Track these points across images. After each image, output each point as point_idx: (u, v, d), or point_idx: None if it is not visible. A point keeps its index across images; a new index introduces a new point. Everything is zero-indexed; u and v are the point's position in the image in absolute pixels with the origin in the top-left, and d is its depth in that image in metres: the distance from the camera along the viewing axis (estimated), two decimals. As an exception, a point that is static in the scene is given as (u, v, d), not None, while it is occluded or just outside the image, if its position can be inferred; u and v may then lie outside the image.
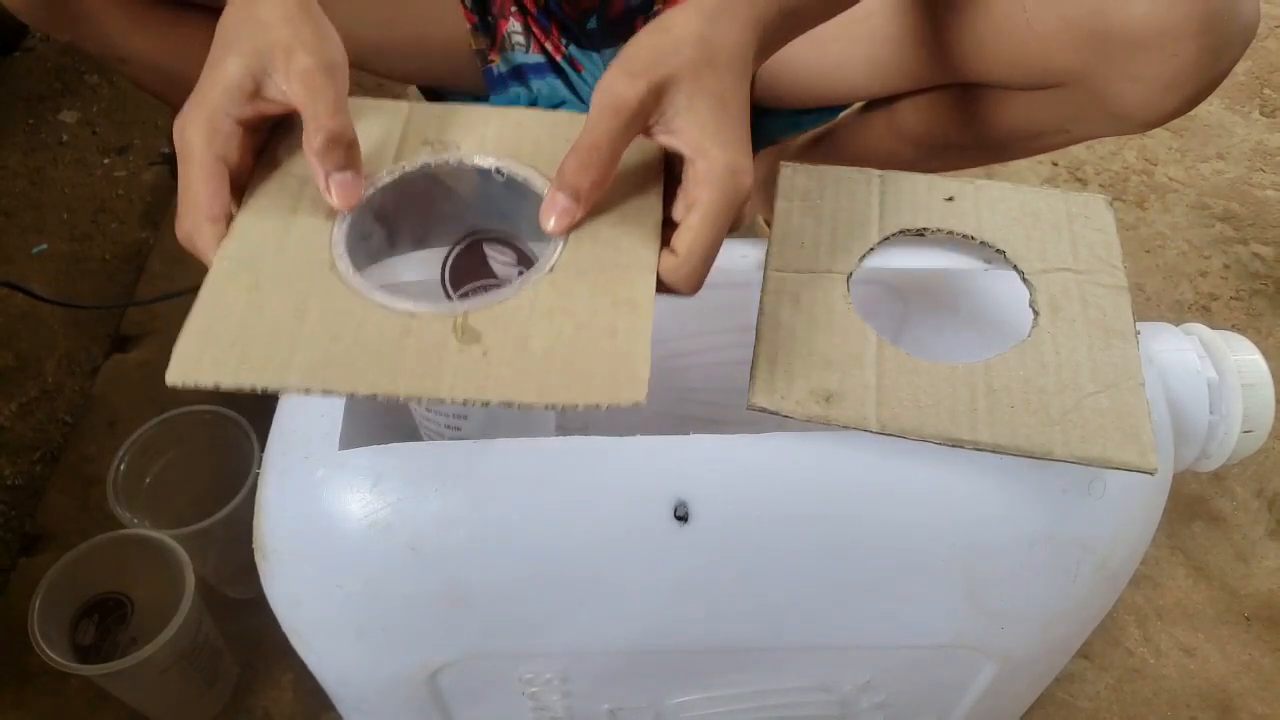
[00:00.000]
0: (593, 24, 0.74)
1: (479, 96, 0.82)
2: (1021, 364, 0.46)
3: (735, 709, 0.58)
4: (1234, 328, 0.63)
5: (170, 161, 1.22)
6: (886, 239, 0.51)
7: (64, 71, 1.32)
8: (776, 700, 0.58)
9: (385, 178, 0.46)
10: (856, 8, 0.68)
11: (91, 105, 1.28)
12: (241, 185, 0.45)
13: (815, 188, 0.53)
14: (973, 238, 0.50)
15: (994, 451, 0.44)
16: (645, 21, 0.74)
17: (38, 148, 1.22)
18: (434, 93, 0.85)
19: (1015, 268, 0.49)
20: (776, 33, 0.47)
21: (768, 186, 0.89)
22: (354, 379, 0.39)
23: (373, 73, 0.86)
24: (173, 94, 0.78)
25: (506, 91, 0.81)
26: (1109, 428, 0.44)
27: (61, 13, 0.68)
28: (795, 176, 0.53)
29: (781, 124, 0.78)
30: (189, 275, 1.10)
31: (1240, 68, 1.34)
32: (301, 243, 0.43)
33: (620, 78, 0.41)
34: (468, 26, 0.77)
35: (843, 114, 0.80)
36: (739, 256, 0.54)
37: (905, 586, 0.48)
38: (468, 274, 0.51)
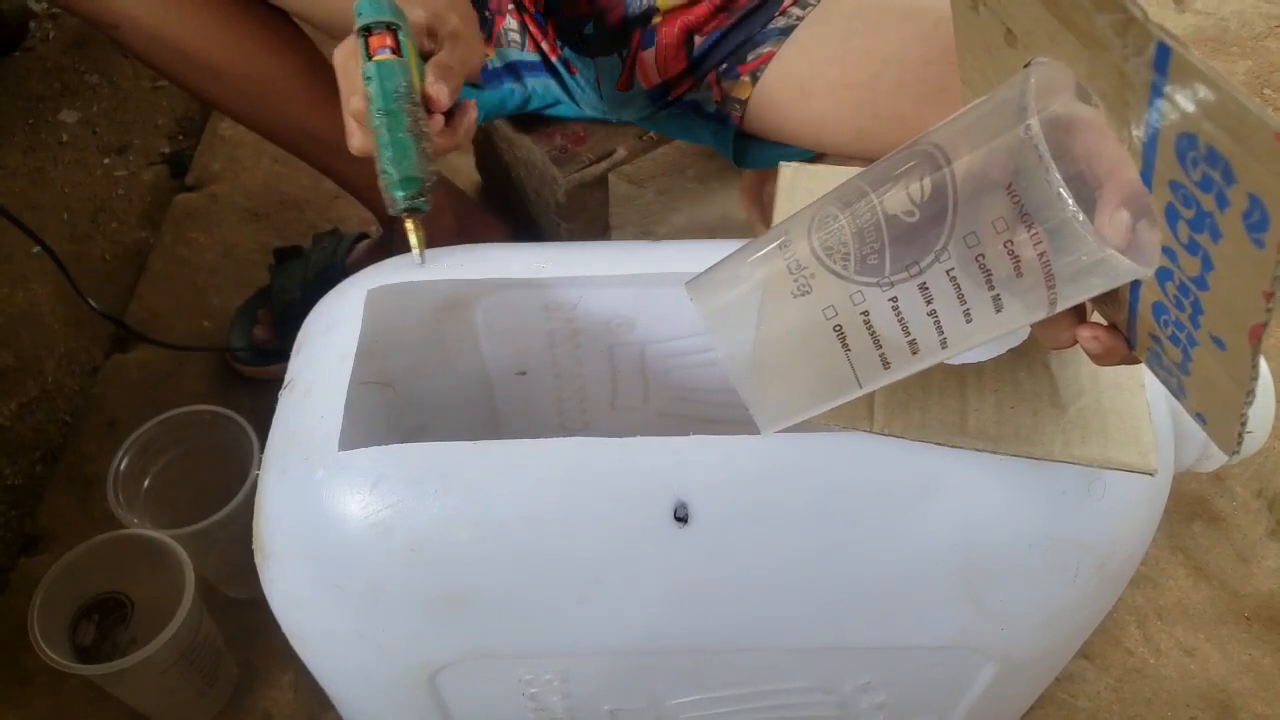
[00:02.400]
0: (589, 29, 0.74)
1: (473, 87, 0.82)
2: (1021, 365, 0.46)
3: (735, 709, 0.58)
4: (1234, 328, 0.62)
5: (170, 161, 1.22)
6: (886, 239, 0.50)
7: (64, 71, 1.32)
8: (776, 700, 0.58)
9: None
10: (846, 73, 0.68)
11: (91, 105, 1.28)
12: None
13: (816, 188, 0.53)
14: (973, 238, 0.50)
15: (994, 452, 0.44)
16: (643, 34, 0.74)
17: (38, 148, 1.22)
18: None
19: (1015, 268, 0.49)
20: None
21: (755, 194, 0.89)
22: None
23: None
24: (166, 62, 0.78)
25: (500, 87, 0.81)
26: (1109, 428, 0.44)
27: None
28: (796, 177, 0.53)
29: (768, 154, 0.78)
30: (189, 275, 1.10)
31: (1240, 67, 1.34)
32: None
33: None
34: None
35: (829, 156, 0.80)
36: (739, 257, 0.54)
37: (905, 586, 0.48)
38: None
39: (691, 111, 0.78)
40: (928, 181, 0.34)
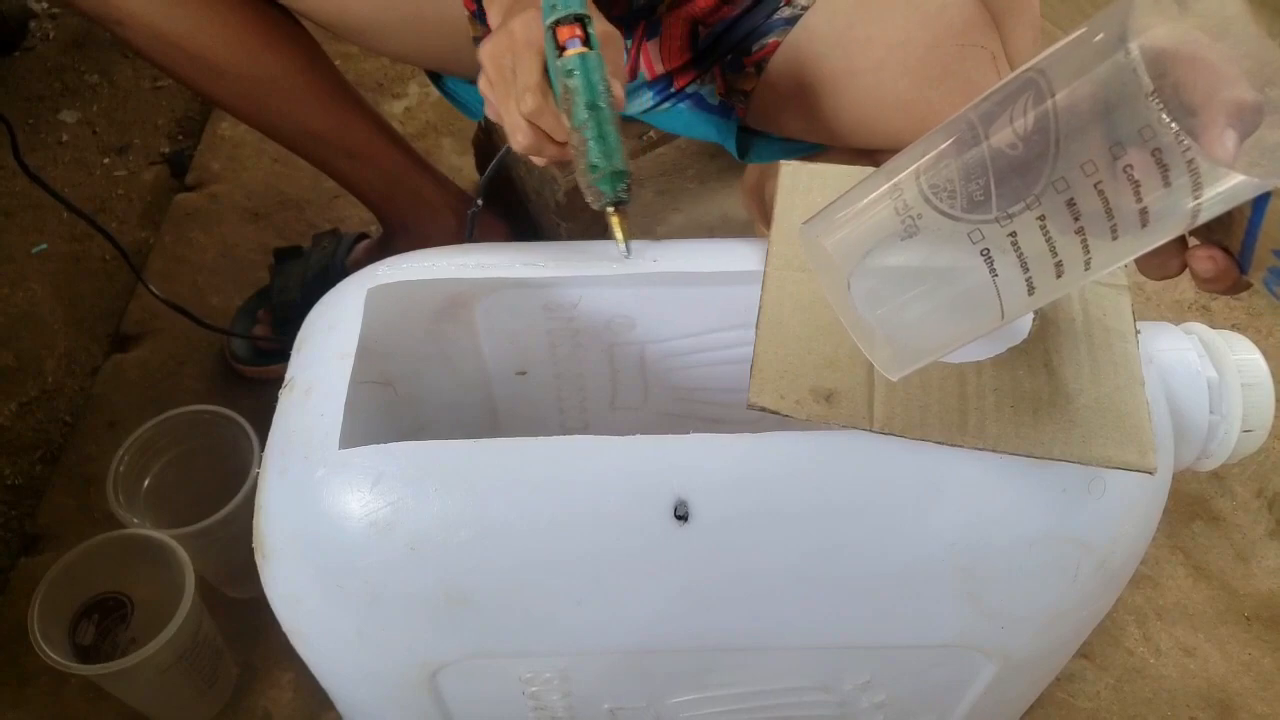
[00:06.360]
0: None
1: (472, 84, 0.82)
2: (1021, 364, 0.46)
3: (735, 709, 0.58)
4: (1234, 327, 0.63)
5: (170, 161, 1.22)
6: (887, 239, 0.50)
7: (64, 71, 1.32)
8: (776, 700, 0.58)
9: None
10: (851, 61, 0.68)
11: (91, 105, 1.28)
12: None
13: (816, 186, 0.53)
14: (973, 237, 0.50)
15: (994, 451, 0.44)
16: (647, 24, 0.74)
17: (38, 148, 1.22)
18: (434, 74, 0.85)
19: (1015, 267, 0.49)
20: None
21: (756, 192, 0.89)
22: None
23: (368, 49, 0.86)
24: (169, 60, 0.78)
25: None
26: (1109, 427, 0.44)
27: None
28: (796, 175, 0.53)
29: (771, 149, 0.78)
30: (189, 275, 1.10)
31: (1240, 68, 1.33)
32: None
33: None
34: (467, 13, 0.77)
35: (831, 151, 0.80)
36: (739, 256, 0.54)
37: (905, 586, 0.48)
38: None
39: (695, 105, 0.78)
40: (1031, 113, 0.34)
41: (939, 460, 0.45)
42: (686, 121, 0.80)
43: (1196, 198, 0.32)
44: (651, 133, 0.88)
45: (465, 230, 0.96)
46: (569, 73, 0.51)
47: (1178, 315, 1.07)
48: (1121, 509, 0.47)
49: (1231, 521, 0.90)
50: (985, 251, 0.36)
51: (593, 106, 0.50)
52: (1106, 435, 0.43)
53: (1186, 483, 0.92)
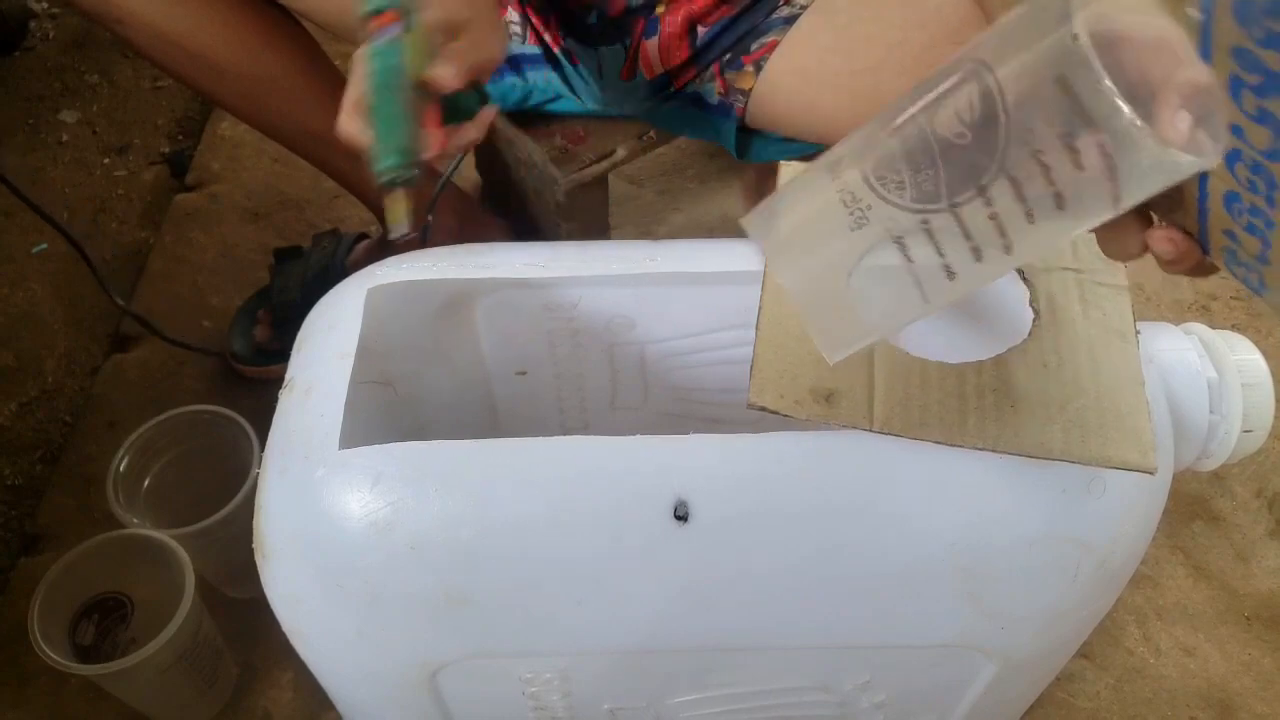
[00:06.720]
0: (593, 19, 0.74)
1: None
2: (1021, 363, 0.46)
3: (735, 709, 0.58)
4: (1234, 328, 0.63)
5: (170, 161, 1.22)
6: (886, 239, 0.50)
7: (64, 71, 1.32)
8: (776, 700, 0.58)
9: None
10: (850, 61, 0.68)
11: (91, 105, 1.28)
12: None
13: (815, 187, 0.53)
14: (973, 237, 0.50)
15: (993, 451, 0.44)
16: (645, 23, 0.74)
17: (38, 148, 1.22)
18: None
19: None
20: None
21: (755, 193, 0.89)
22: None
23: None
24: (169, 59, 0.78)
25: (500, 80, 0.81)
26: (1109, 427, 0.44)
27: None
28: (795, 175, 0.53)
29: (771, 149, 0.78)
30: (189, 275, 1.10)
31: (1240, 68, 1.33)
32: None
33: None
34: None
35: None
36: (739, 256, 0.54)
37: (905, 586, 0.48)
38: None
39: (694, 104, 0.78)
40: (976, 99, 0.33)
41: (939, 460, 0.45)
42: (685, 121, 0.80)
43: (1112, 180, 0.32)
44: (651, 133, 0.88)
45: (464, 231, 0.97)
46: (368, 59, 0.52)
47: (1178, 315, 1.07)
48: (1121, 509, 0.47)
49: (1231, 521, 0.90)
50: (899, 239, 0.36)
51: (383, 87, 0.51)
52: (1106, 435, 0.43)
53: (1186, 483, 0.92)
